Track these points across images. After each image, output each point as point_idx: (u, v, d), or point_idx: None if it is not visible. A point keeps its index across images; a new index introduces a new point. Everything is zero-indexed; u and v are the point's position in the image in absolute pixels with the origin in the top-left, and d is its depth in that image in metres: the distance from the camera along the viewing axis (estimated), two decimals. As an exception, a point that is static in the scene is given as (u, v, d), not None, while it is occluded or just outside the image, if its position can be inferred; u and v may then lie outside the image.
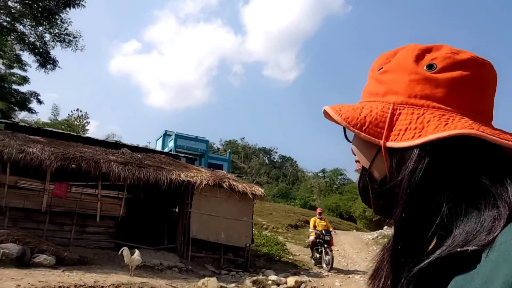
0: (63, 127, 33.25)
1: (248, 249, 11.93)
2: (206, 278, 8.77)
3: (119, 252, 8.37)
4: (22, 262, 7.68)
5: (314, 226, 12.75)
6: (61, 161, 9.39)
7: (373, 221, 30.48)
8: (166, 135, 36.68)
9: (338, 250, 17.50)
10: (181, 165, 12.53)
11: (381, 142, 0.58)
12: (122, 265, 9.21)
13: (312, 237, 12.88)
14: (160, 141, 36.88)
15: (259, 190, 12.10)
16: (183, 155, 16.01)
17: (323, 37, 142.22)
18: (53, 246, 8.73)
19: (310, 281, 10.12)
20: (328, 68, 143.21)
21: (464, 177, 0.52)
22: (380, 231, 23.39)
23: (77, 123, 40.72)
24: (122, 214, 10.29)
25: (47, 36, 15.73)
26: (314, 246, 12.97)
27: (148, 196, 11.96)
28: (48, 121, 36.71)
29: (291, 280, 9.72)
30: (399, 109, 0.59)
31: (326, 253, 12.10)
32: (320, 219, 13.06)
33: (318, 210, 14.28)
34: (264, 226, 20.39)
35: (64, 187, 9.54)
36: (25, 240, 8.44)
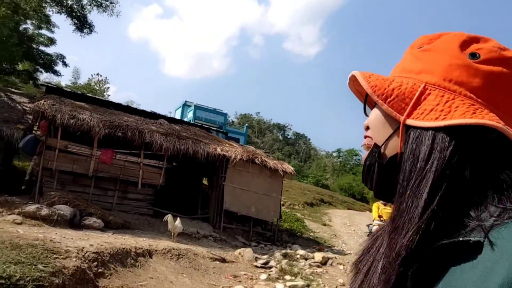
0: (85, 91, 33.62)
1: (276, 223, 12.41)
2: (242, 248, 9.26)
3: (164, 219, 8.84)
4: (73, 223, 8.10)
5: (380, 216, 10.49)
6: (109, 128, 9.76)
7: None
8: (185, 105, 36.75)
9: (355, 230, 18.05)
10: (214, 138, 12.87)
11: (402, 117, 0.57)
12: (162, 231, 9.71)
13: (375, 228, 9.91)
14: (179, 111, 37.03)
15: (289, 168, 12.44)
16: (215, 128, 16.32)
17: (349, 12, 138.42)
18: (100, 210, 9.20)
19: (336, 257, 10.59)
20: (352, 45, 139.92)
21: (479, 168, 0.52)
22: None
23: (97, 88, 41.08)
24: (161, 183, 10.74)
25: (85, 0, 15.79)
26: None
27: (183, 167, 12.37)
28: (70, 85, 37.10)
29: (318, 256, 10.20)
30: (430, 89, 0.58)
31: None
32: (385, 205, 10.70)
33: None
34: (281, 202, 20.88)
35: (110, 154, 9.95)
36: (75, 203, 8.91)
